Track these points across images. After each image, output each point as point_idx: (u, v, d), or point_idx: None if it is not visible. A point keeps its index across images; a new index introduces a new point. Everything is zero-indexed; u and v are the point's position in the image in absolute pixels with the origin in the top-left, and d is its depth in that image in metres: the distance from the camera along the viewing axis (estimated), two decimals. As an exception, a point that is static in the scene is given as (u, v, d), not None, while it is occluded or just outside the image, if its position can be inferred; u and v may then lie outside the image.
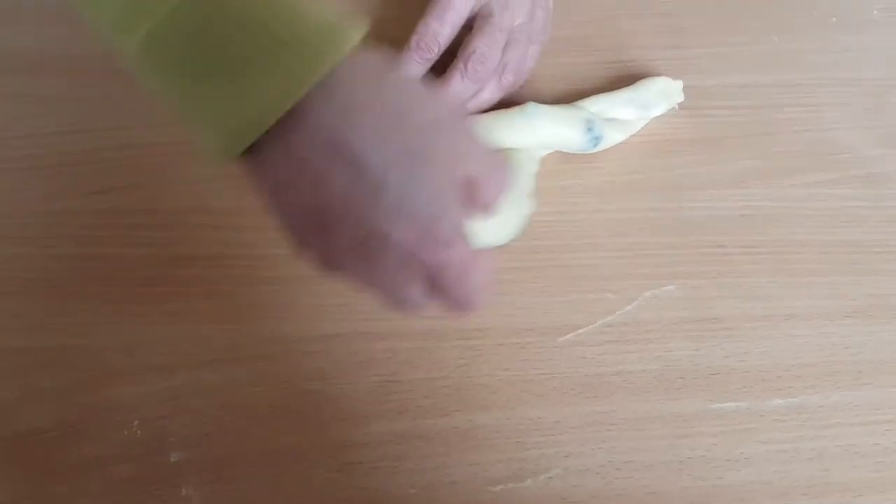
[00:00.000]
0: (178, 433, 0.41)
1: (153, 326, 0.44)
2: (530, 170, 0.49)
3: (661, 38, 0.57)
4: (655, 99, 0.52)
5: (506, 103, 0.50)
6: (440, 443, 0.42)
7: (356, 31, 0.30)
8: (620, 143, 0.51)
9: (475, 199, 0.32)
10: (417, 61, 0.49)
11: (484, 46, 0.49)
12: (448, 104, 0.41)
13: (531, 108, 0.49)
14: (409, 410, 0.43)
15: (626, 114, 0.52)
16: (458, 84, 0.48)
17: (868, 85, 0.56)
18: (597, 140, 0.50)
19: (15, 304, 0.44)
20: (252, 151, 0.30)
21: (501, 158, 0.35)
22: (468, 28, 0.50)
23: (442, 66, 0.49)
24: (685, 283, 0.47)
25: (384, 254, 0.31)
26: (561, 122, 0.50)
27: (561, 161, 0.51)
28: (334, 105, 0.29)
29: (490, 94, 0.50)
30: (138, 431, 0.41)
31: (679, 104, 0.53)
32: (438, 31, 0.49)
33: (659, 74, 0.53)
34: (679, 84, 0.53)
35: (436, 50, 0.49)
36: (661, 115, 0.53)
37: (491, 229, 0.45)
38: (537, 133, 0.49)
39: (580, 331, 0.45)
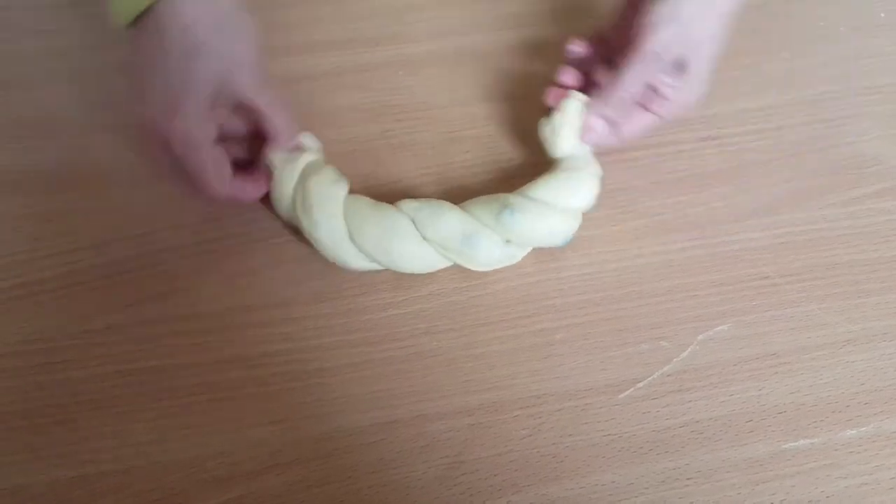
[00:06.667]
0: (249, 547, 0.41)
1: (209, 437, 0.43)
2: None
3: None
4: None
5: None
6: (516, 521, 0.41)
7: None
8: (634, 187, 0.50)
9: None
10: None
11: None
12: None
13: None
14: (480, 491, 0.42)
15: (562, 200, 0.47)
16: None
17: (887, 90, 0.55)
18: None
19: (66, 432, 0.43)
20: (136, 26, 0.44)
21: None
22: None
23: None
24: (737, 321, 0.46)
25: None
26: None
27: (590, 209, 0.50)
28: (176, 14, 0.43)
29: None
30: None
31: (699, 136, 0.52)
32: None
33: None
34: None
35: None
36: (681, 150, 0.52)
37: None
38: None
39: (639, 385, 0.45)
